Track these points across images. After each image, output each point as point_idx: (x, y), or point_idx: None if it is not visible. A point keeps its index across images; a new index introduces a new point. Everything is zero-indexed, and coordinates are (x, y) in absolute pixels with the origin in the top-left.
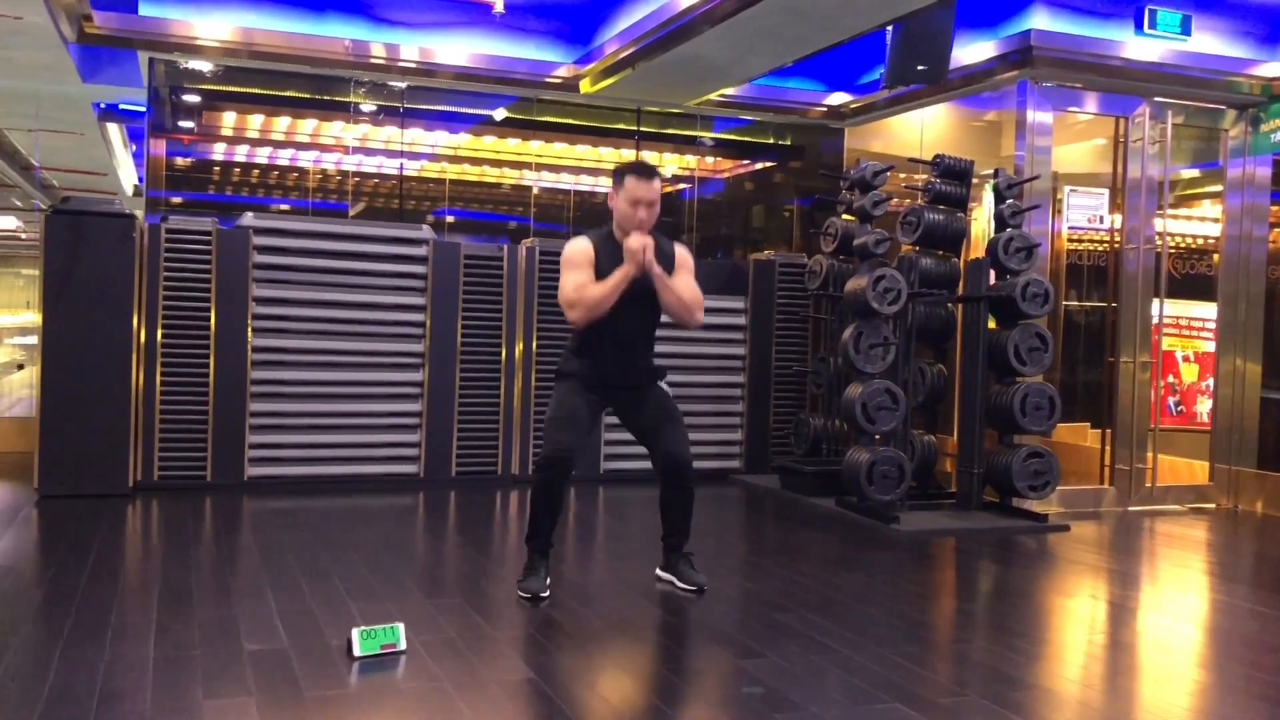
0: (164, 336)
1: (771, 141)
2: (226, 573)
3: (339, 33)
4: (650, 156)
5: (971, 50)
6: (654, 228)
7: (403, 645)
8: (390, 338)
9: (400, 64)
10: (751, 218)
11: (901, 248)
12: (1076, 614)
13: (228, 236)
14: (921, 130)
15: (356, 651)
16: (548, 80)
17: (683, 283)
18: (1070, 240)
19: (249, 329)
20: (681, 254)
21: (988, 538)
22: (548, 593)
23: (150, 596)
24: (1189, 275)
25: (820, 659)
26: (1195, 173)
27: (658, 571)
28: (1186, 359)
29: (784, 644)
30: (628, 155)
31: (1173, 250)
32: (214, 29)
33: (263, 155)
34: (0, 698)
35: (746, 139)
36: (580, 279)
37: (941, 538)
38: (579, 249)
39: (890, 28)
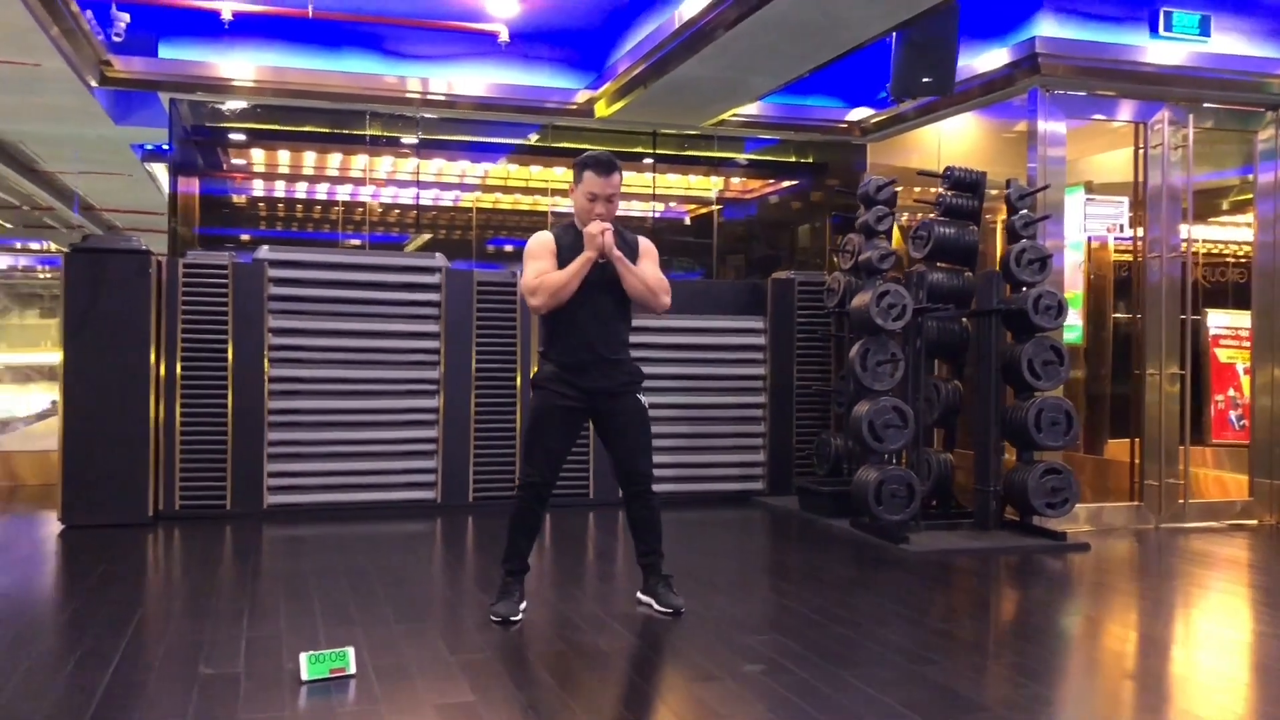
0: (183, 368)
1: (794, 160)
2: (211, 598)
3: (356, 68)
4: (670, 179)
5: (981, 59)
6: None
7: (352, 669)
8: (405, 365)
9: (420, 95)
10: (777, 237)
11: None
12: (1071, 637)
13: (244, 270)
14: (939, 144)
15: (304, 676)
16: (564, 106)
17: (646, 268)
18: (1116, 251)
19: (266, 359)
20: (645, 244)
21: (999, 558)
22: (519, 616)
23: (128, 622)
24: (1220, 285)
25: (776, 684)
26: (1225, 179)
27: (638, 594)
28: (1248, 371)
29: (737, 668)
30: (645, 178)
31: (1205, 259)
32: (233, 68)
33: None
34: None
35: (769, 158)
36: (541, 267)
37: (951, 558)
38: (540, 241)
39: (893, 39)
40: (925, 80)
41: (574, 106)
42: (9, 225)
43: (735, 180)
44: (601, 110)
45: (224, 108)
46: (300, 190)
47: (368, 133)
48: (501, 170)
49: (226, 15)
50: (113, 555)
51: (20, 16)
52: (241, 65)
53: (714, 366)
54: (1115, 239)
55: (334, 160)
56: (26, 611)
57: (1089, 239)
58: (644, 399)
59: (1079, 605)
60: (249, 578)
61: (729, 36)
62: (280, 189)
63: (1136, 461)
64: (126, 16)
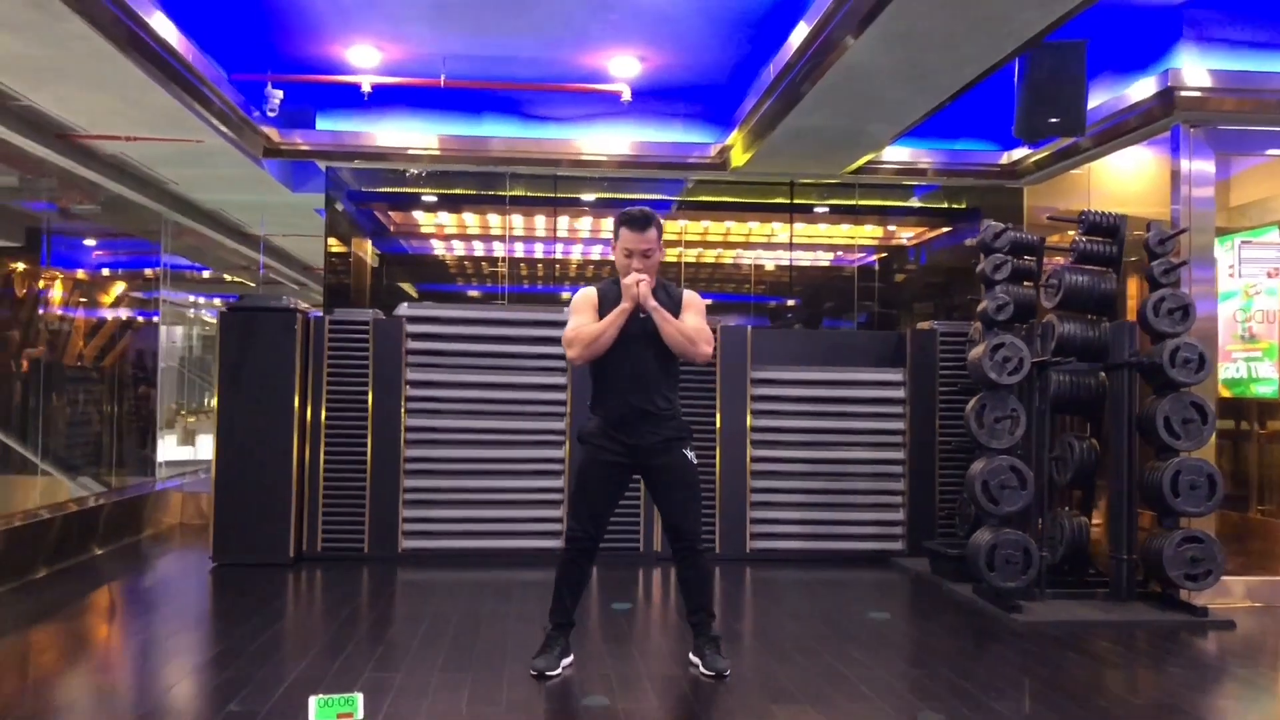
0: (328, 417)
1: (947, 206)
2: (288, 639)
3: (496, 132)
4: (809, 229)
5: (1120, 96)
6: (656, 273)
7: (360, 716)
8: (534, 415)
9: (558, 156)
10: (930, 286)
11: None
12: None
13: (383, 325)
14: (1092, 184)
15: (312, 718)
16: (699, 160)
17: (688, 318)
18: None
19: (403, 410)
20: (690, 297)
21: (1120, 633)
22: (558, 670)
23: (203, 658)
24: None
25: None
26: None
27: (689, 655)
28: None
29: None
30: (781, 229)
31: None
32: (382, 137)
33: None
34: None
35: (919, 205)
36: (581, 321)
37: (1064, 631)
38: (583, 295)
39: (1016, 79)
40: (1052, 120)
41: (708, 160)
42: (252, 284)
43: (887, 229)
44: (736, 161)
45: (376, 173)
46: (457, 248)
47: (509, 193)
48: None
49: (366, 88)
50: (253, 593)
51: (169, 101)
52: (391, 134)
53: (851, 420)
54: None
55: (478, 218)
56: (171, 637)
57: None
58: (691, 454)
59: (1188, 696)
60: (333, 619)
61: (818, 89)
62: (435, 247)
63: None
64: (280, 94)
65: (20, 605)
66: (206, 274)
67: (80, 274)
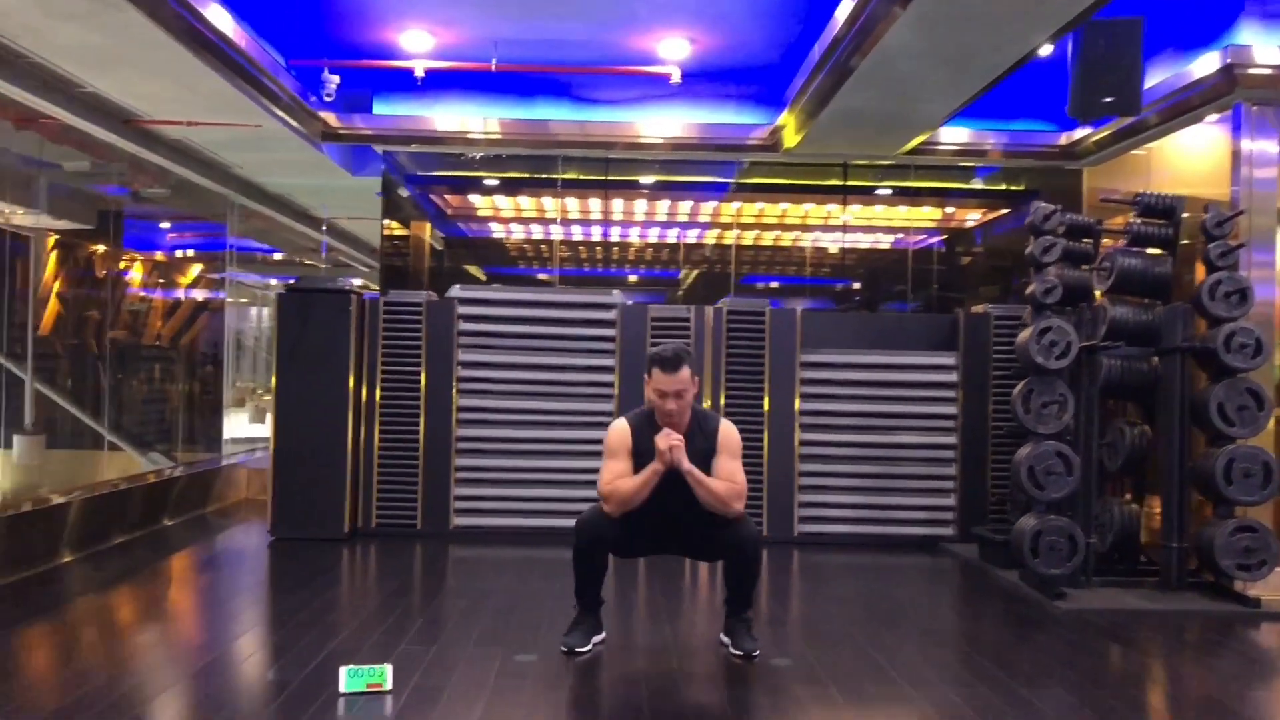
0: (382, 396)
1: (1005, 188)
2: (333, 612)
3: (549, 115)
4: (863, 209)
5: (1180, 73)
6: (691, 402)
7: (388, 686)
8: (583, 397)
9: (610, 138)
10: (979, 269)
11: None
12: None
13: (436, 306)
14: (1152, 164)
15: (342, 688)
16: (751, 142)
17: (722, 471)
18: None
19: (454, 390)
20: (725, 434)
21: (1166, 623)
22: (588, 647)
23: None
24: None
25: None
26: None
27: (721, 635)
28: None
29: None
30: (837, 211)
31: None
32: (436, 121)
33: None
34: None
35: (975, 187)
36: (617, 469)
37: (1106, 619)
38: (616, 435)
39: (1069, 58)
40: (1107, 100)
41: (761, 142)
42: (322, 267)
43: (945, 210)
44: (789, 142)
45: (432, 157)
46: (512, 231)
47: (560, 176)
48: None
49: (419, 73)
50: (306, 566)
51: (225, 87)
52: (446, 118)
53: (902, 404)
54: None
55: (532, 202)
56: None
57: None
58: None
59: (1229, 689)
60: (381, 594)
61: (862, 69)
62: (491, 230)
63: None
64: (336, 79)
65: (95, 570)
66: (278, 256)
67: (159, 255)
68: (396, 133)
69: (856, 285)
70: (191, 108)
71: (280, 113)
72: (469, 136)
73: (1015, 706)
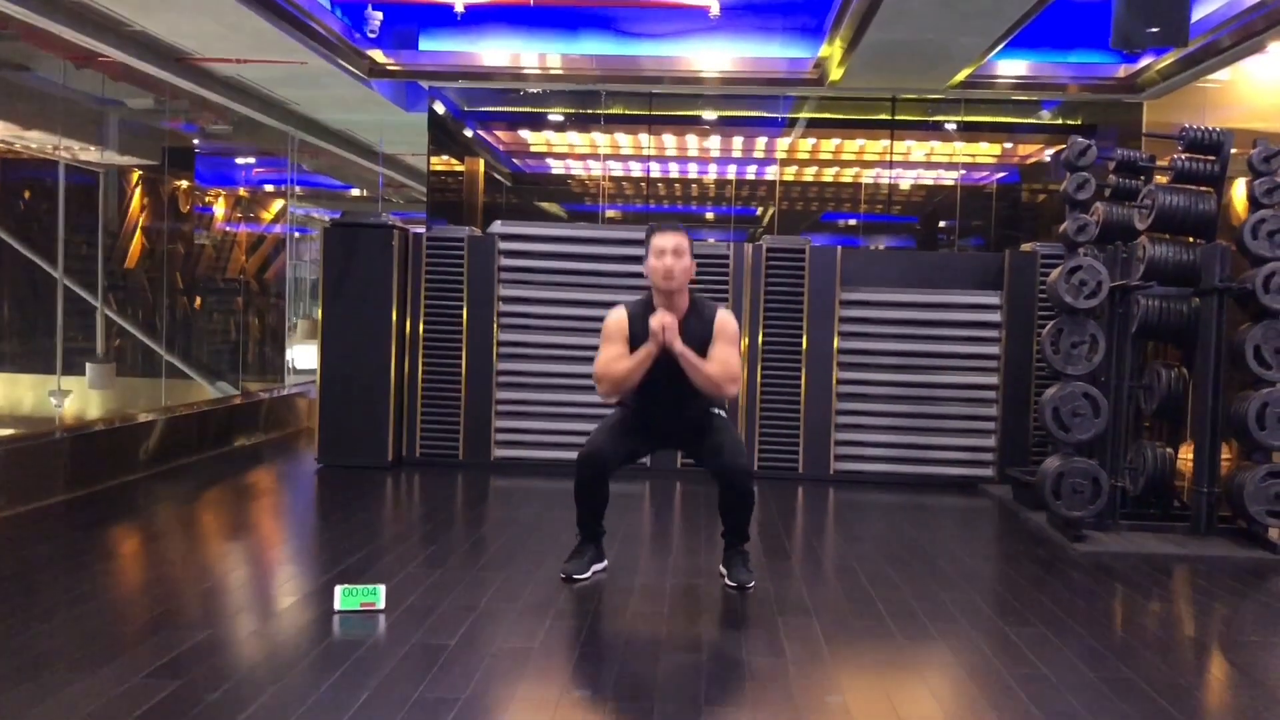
0: (425, 330)
1: (1061, 123)
2: (356, 535)
3: (594, 50)
4: (908, 145)
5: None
6: (691, 287)
7: (381, 605)
8: None
9: (654, 73)
10: (1029, 206)
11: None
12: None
13: (477, 242)
14: (1209, 99)
15: (336, 606)
16: (797, 76)
17: (716, 355)
18: None
19: (495, 324)
20: (722, 321)
21: (1186, 568)
22: (587, 574)
23: (275, 546)
24: None
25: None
26: None
27: (719, 566)
28: None
29: (733, 645)
30: (882, 145)
31: None
32: (480, 57)
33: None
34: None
35: (1026, 121)
36: (612, 353)
37: (1124, 563)
38: (613, 321)
39: None
40: (1151, 30)
41: (805, 76)
42: (400, 202)
43: (1004, 147)
44: (833, 76)
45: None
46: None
47: (604, 111)
48: (758, 143)
49: (459, 8)
50: (346, 492)
51: (262, 24)
52: (490, 53)
53: (943, 344)
54: None
55: (582, 137)
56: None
57: None
58: (718, 410)
59: (1224, 634)
60: (431, 522)
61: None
62: (537, 165)
63: None
64: (379, 15)
65: (159, 487)
66: (355, 192)
67: (242, 191)
68: (442, 69)
69: (941, 224)
70: (237, 46)
71: (323, 49)
72: (514, 71)
73: (997, 640)
